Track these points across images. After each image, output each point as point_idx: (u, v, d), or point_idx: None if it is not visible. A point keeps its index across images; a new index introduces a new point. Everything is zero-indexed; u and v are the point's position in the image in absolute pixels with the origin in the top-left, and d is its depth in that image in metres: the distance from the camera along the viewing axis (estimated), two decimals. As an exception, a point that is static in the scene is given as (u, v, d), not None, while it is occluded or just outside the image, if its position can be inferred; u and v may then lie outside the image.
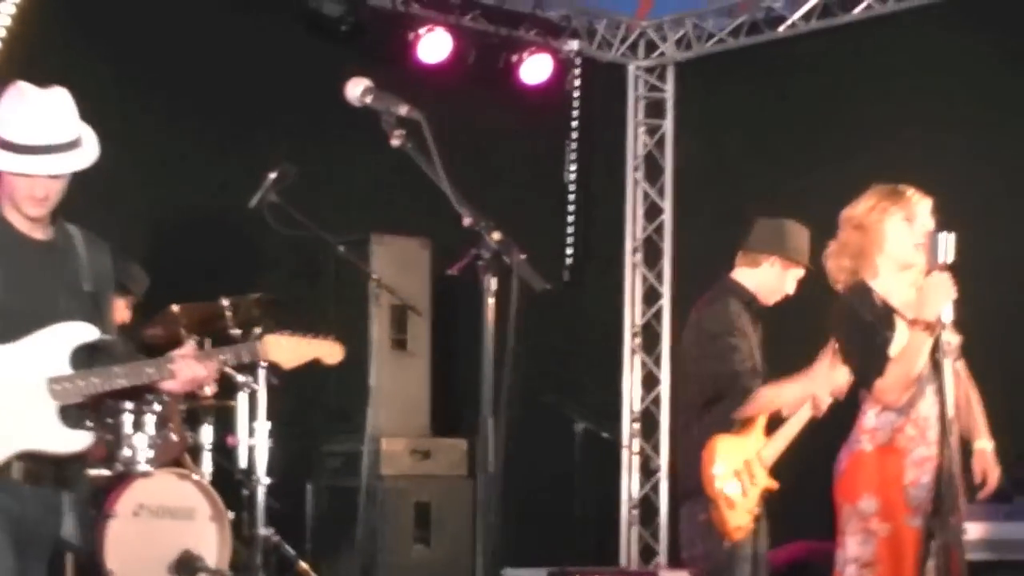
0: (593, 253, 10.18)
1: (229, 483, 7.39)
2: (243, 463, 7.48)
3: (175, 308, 7.24)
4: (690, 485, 5.57)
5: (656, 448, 10.03)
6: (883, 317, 4.73)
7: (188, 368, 4.09)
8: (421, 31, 8.99)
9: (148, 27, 8.16)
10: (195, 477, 7.01)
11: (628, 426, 10.07)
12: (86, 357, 4.05)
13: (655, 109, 10.33)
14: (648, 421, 10.03)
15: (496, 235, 3.65)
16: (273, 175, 7.22)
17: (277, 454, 7.51)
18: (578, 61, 9.89)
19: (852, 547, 4.73)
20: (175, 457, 7.10)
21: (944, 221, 4.82)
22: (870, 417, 4.79)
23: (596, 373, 10.09)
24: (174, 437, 7.07)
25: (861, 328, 4.75)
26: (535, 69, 9.59)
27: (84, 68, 7.31)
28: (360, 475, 7.99)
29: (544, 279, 3.69)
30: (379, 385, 8.11)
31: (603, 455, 9.50)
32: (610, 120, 10.28)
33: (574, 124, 10.00)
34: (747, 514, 5.46)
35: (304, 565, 7.55)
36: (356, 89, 3.81)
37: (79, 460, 4.11)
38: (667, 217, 10.25)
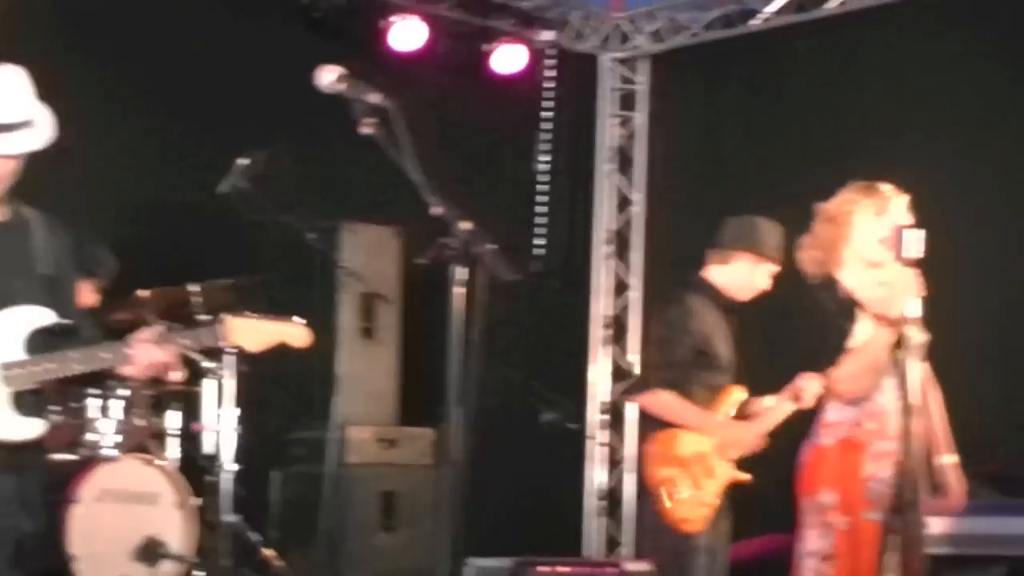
0: (563, 244, 10.19)
1: (195, 469, 7.37)
2: (209, 449, 7.46)
3: (142, 293, 7.22)
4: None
5: (622, 440, 10.05)
6: (845, 309, 4.76)
7: (146, 353, 3.97)
8: (395, 19, 8.98)
9: (120, 13, 8.11)
10: (160, 463, 6.99)
11: (595, 417, 10.08)
12: (43, 342, 3.94)
13: (628, 101, 10.34)
14: (615, 413, 10.05)
15: (465, 225, 3.66)
16: (243, 162, 7.20)
17: (243, 441, 7.49)
18: (551, 51, 9.90)
19: (812, 540, 4.76)
20: (140, 442, 7.07)
21: (924, 219, 4.82)
22: (831, 412, 4.82)
23: (564, 364, 10.10)
24: (140, 422, 7.04)
25: (821, 317, 4.78)
26: (508, 59, 9.59)
27: (55, 53, 7.27)
28: (326, 463, 8.00)
29: (513, 269, 3.70)
30: (347, 373, 8.13)
31: (570, 446, 9.52)
32: (582, 111, 10.28)
33: (546, 115, 10.01)
34: (701, 507, 5.47)
35: (269, 552, 7.54)
36: (328, 76, 3.81)
37: (34, 447, 4.00)
38: (638, 209, 10.27)
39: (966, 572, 6.37)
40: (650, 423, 5.64)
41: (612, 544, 10.05)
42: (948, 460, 4.96)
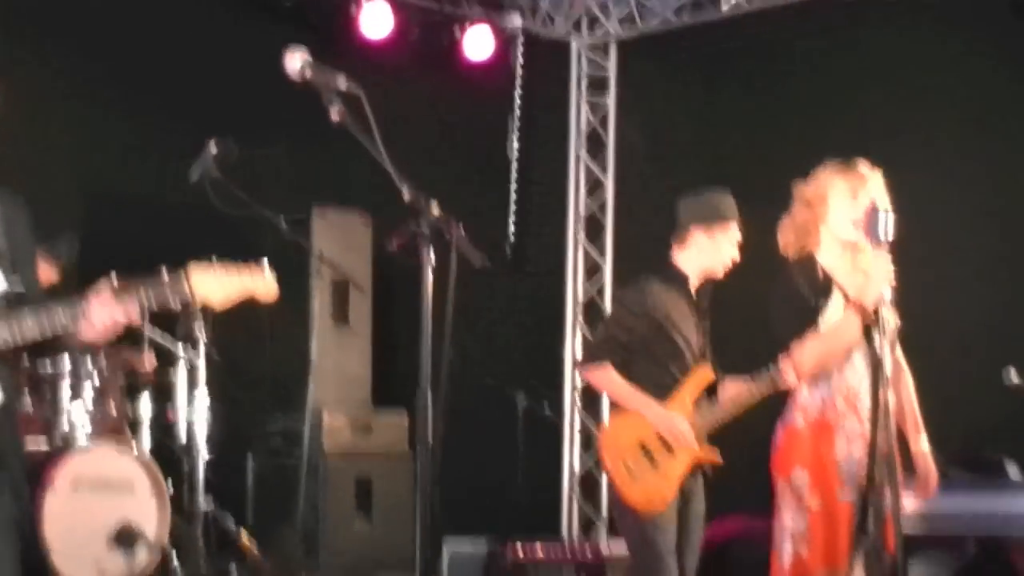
0: (536, 229, 10.20)
1: (169, 457, 7.37)
2: (183, 437, 7.46)
3: (112, 279, 7.18)
4: None
5: (598, 422, 10.08)
6: (820, 287, 4.78)
7: (104, 311, 3.75)
8: (363, 5, 8.96)
9: (86, 1, 8.09)
10: (134, 451, 6.99)
11: (570, 400, 10.11)
12: None
13: (598, 86, 10.36)
14: (589, 396, 10.07)
15: (436, 210, 3.67)
16: (213, 150, 7.18)
17: (217, 428, 7.49)
18: (521, 38, 9.90)
19: (787, 521, 4.78)
20: (114, 430, 7.07)
21: (895, 199, 4.85)
22: (803, 393, 4.84)
23: (538, 348, 10.12)
24: (113, 410, 7.04)
25: (793, 292, 4.79)
26: (478, 45, 9.59)
27: (20, 43, 7.24)
28: (301, 450, 8.00)
29: (484, 254, 3.71)
30: (321, 360, 8.12)
31: (545, 429, 9.54)
32: (553, 97, 10.29)
33: (517, 101, 10.01)
34: (660, 487, 5.48)
35: (245, 539, 7.54)
36: (295, 63, 3.81)
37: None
38: (610, 194, 10.29)
39: (936, 551, 6.42)
40: (613, 404, 5.69)
41: (589, 525, 10.09)
42: (922, 445, 4.98)
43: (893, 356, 4.84)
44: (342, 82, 3.73)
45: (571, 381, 10.13)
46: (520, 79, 9.98)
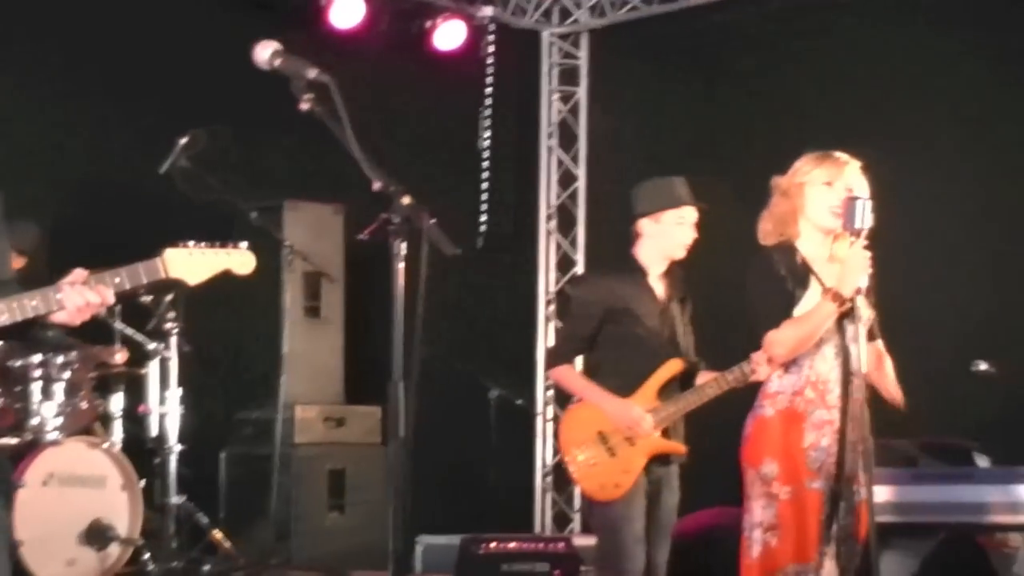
0: (507, 220, 10.19)
1: (140, 451, 7.33)
2: (154, 431, 7.42)
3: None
4: None
5: (570, 414, 10.07)
6: (798, 275, 4.77)
7: (77, 295, 3.76)
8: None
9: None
10: (106, 445, 6.96)
11: (542, 393, 10.11)
12: None
13: (569, 76, 10.34)
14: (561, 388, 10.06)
15: (406, 199, 3.65)
16: (183, 140, 7.15)
17: (189, 422, 7.46)
18: (492, 27, 9.88)
19: (757, 511, 4.78)
20: (85, 425, 7.03)
21: (873, 188, 4.85)
22: (772, 382, 4.84)
23: (510, 339, 10.12)
24: (84, 405, 6.99)
25: (770, 278, 4.79)
26: (449, 35, 9.57)
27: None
28: (274, 443, 7.98)
29: (455, 243, 3.69)
30: (292, 352, 8.10)
31: (517, 422, 9.54)
32: (524, 87, 10.28)
33: (488, 91, 9.99)
34: (615, 475, 5.48)
35: (217, 533, 7.51)
36: (264, 52, 3.78)
37: None
38: (581, 184, 10.29)
39: (906, 540, 6.44)
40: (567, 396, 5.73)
41: (562, 519, 10.09)
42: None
43: (874, 346, 4.85)
44: (312, 71, 3.70)
45: (543, 373, 10.13)
46: (491, 69, 9.96)
